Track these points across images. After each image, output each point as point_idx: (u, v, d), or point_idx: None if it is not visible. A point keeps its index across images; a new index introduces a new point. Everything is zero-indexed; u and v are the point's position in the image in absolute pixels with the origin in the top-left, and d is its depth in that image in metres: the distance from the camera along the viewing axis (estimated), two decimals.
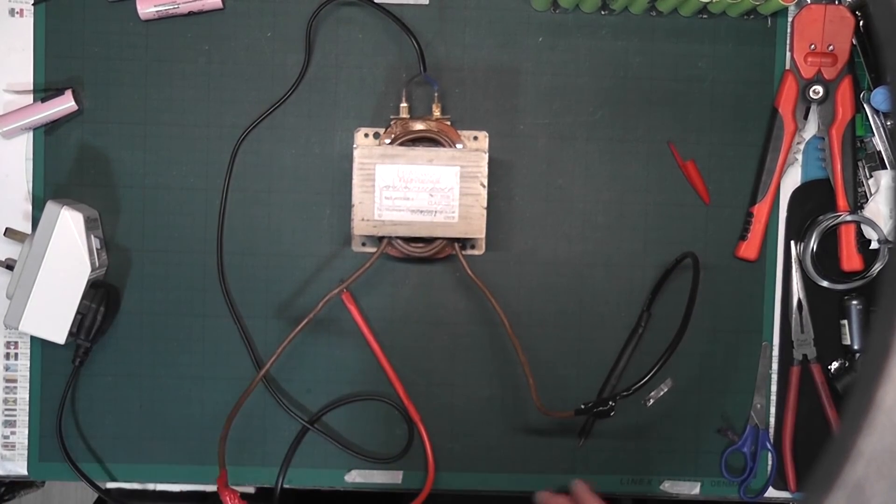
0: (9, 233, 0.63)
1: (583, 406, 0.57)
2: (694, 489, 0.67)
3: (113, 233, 0.65)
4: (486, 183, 0.59)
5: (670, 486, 0.67)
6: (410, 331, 0.66)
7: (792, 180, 0.66)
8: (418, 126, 0.62)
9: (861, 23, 0.64)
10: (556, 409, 0.65)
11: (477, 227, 0.59)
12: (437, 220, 0.59)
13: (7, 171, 0.64)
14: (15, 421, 0.65)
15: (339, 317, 0.65)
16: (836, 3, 0.64)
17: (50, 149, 0.64)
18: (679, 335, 0.56)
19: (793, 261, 0.66)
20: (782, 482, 0.67)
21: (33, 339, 0.64)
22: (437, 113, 0.62)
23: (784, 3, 0.61)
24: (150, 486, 0.67)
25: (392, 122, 0.63)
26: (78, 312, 0.61)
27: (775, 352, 0.67)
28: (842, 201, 0.65)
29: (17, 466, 0.65)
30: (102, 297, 0.62)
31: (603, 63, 0.65)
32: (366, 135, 0.64)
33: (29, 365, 0.65)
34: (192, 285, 0.65)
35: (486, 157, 0.59)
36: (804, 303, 0.66)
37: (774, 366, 0.67)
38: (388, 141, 0.62)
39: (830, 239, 0.65)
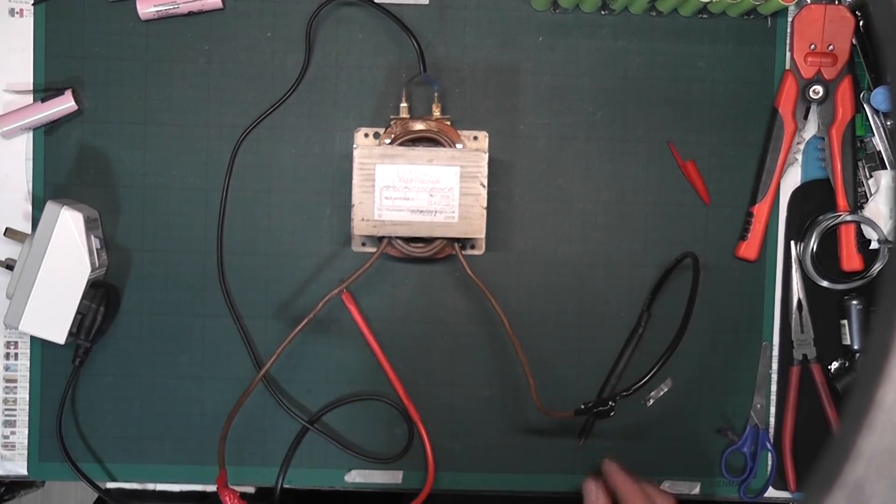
0: (9, 233, 0.63)
1: (583, 406, 0.57)
2: (694, 489, 0.67)
3: (113, 233, 0.65)
4: (486, 183, 0.59)
5: (670, 486, 0.67)
6: (410, 331, 0.66)
7: (792, 180, 0.66)
8: (418, 126, 0.62)
9: (861, 23, 0.64)
10: (556, 409, 0.65)
11: (477, 227, 0.59)
12: (437, 220, 0.59)
13: (7, 171, 0.64)
14: (15, 421, 0.65)
15: (339, 317, 0.65)
16: (836, 3, 0.64)
17: (50, 149, 0.64)
18: (679, 335, 0.56)
19: (793, 261, 0.66)
20: (782, 482, 0.67)
21: (33, 339, 0.64)
22: (437, 113, 0.62)
23: (784, 3, 0.61)
24: (150, 486, 0.67)
25: (392, 122, 0.63)
26: (78, 312, 0.61)
27: (775, 352, 0.67)
28: (842, 201, 0.65)
29: (17, 466, 0.65)
30: (102, 297, 0.62)
31: (603, 63, 0.65)
32: (366, 135, 0.64)
33: (29, 365, 0.65)
34: (192, 285, 0.65)
35: (486, 157, 0.59)
36: (804, 303, 0.66)
37: (774, 366, 0.67)
38: (388, 141, 0.62)
39: (830, 239, 0.65)
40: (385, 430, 0.66)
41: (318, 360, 0.65)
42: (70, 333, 0.61)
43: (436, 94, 0.63)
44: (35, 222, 0.64)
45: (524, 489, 0.67)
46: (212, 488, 0.68)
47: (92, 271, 0.61)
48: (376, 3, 0.63)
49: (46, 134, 0.64)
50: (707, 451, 0.67)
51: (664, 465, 0.67)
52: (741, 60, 0.66)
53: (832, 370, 0.67)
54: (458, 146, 0.62)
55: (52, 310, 0.60)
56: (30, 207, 0.64)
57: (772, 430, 0.67)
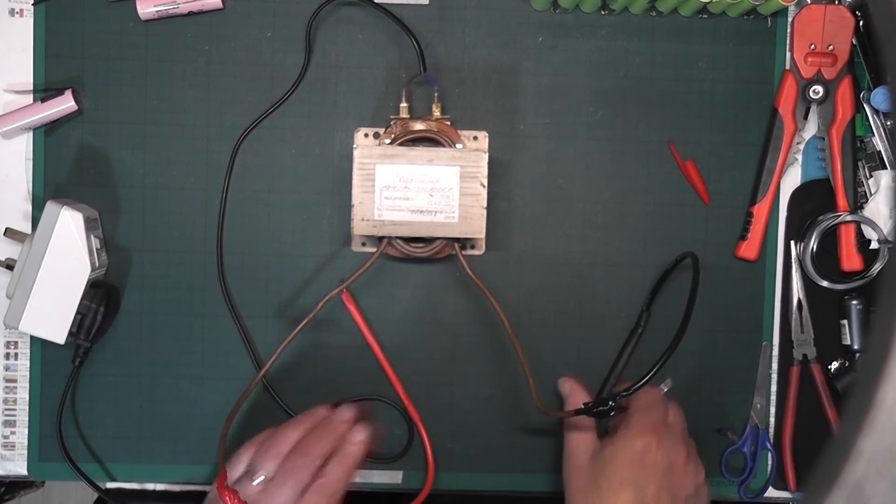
0: (9, 233, 0.63)
1: (583, 406, 0.57)
2: None
3: (113, 233, 0.65)
4: (486, 183, 0.59)
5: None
6: (410, 331, 0.66)
7: (792, 180, 0.66)
8: (418, 126, 0.62)
9: (861, 23, 0.64)
10: (556, 409, 0.65)
11: (477, 227, 0.59)
12: (437, 220, 0.59)
13: (7, 171, 0.64)
14: (15, 421, 0.65)
15: (339, 317, 0.65)
16: (836, 3, 0.64)
17: (50, 149, 0.64)
18: (679, 335, 0.56)
19: (793, 261, 0.66)
20: (782, 482, 0.67)
21: (33, 339, 0.64)
22: (437, 113, 0.62)
23: (784, 3, 0.61)
24: (150, 486, 0.67)
25: (392, 122, 0.63)
26: (78, 312, 0.61)
27: (775, 352, 0.67)
28: (842, 201, 0.65)
29: (17, 466, 0.65)
30: (102, 297, 0.62)
31: (603, 63, 0.65)
32: (366, 135, 0.64)
33: (29, 365, 0.65)
34: (192, 285, 0.65)
35: (486, 157, 0.59)
36: (804, 303, 0.66)
37: (774, 366, 0.67)
38: (388, 141, 0.62)
39: (830, 239, 0.65)
40: (385, 430, 0.66)
41: (318, 360, 0.65)
42: (70, 333, 0.61)
43: (436, 94, 0.63)
44: (35, 222, 0.64)
45: (524, 489, 0.67)
46: (211, 488, 0.68)
47: (92, 271, 0.61)
48: (376, 3, 0.63)
49: (46, 134, 0.64)
50: (707, 451, 0.67)
51: None
52: (741, 60, 0.66)
53: (832, 370, 0.67)
54: (458, 146, 0.62)
55: (52, 310, 0.60)
56: (30, 207, 0.64)
57: (772, 430, 0.67)
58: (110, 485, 0.66)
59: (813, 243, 0.65)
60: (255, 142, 0.65)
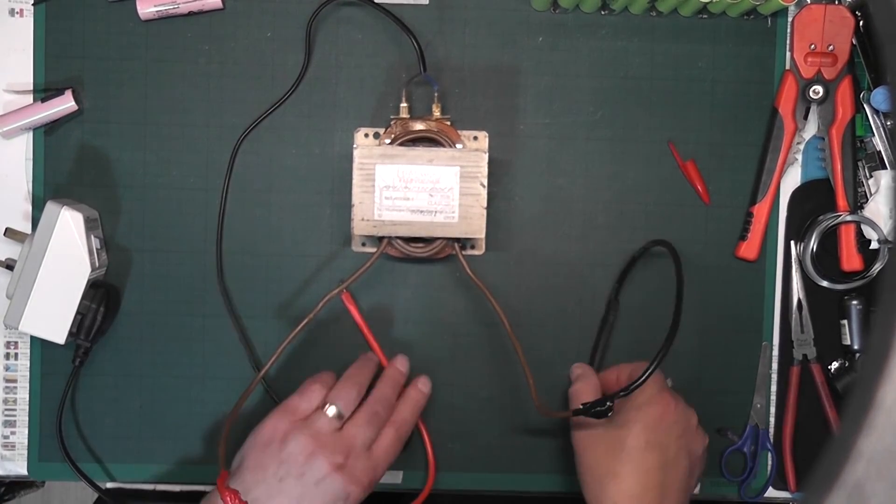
0: (9, 233, 0.63)
1: (581, 406, 0.57)
2: (694, 489, 0.67)
3: (113, 233, 0.65)
4: (486, 183, 0.59)
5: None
6: (410, 331, 0.66)
7: (792, 180, 0.66)
8: (418, 126, 0.62)
9: (861, 23, 0.64)
10: (556, 409, 0.65)
11: (477, 227, 0.59)
12: (437, 220, 0.59)
13: (7, 171, 0.64)
14: (15, 421, 0.65)
15: (339, 317, 0.65)
16: (836, 3, 0.64)
17: (50, 149, 0.64)
18: (672, 332, 0.56)
19: (793, 261, 0.66)
20: (782, 482, 0.67)
21: (33, 339, 0.64)
22: (437, 113, 0.62)
23: (784, 3, 0.61)
24: (150, 486, 0.67)
25: (392, 122, 0.63)
26: (78, 312, 0.61)
27: (775, 352, 0.67)
28: (842, 201, 0.65)
29: (17, 466, 0.65)
30: (102, 297, 0.62)
31: (603, 63, 0.65)
32: (366, 135, 0.64)
33: (29, 365, 0.65)
34: (192, 285, 0.65)
35: (486, 157, 0.59)
36: (804, 303, 0.66)
37: (774, 366, 0.67)
38: (388, 141, 0.62)
39: (830, 239, 0.65)
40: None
41: (319, 360, 0.65)
42: (70, 333, 0.61)
43: (436, 94, 0.63)
44: (35, 222, 0.64)
45: (524, 489, 0.67)
46: (212, 489, 0.68)
47: (92, 271, 0.61)
48: (376, 4, 0.63)
49: (46, 134, 0.64)
50: (707, 450, 0.67)
51: None
52: (741, 60, 0.66)
53: (832, 370, 0.67)
54: (458, 146, 0.62)
55: (52, 310, 0.60)
56: (30, 207, 0.64)
57: (772, 430, 0.67)
58: (110, 485, 0.66)
59: (813, 243, 0.65)
60: (256, 142, 0.65)
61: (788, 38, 0.65)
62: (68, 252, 0.60)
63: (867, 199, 0.65)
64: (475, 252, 0.65)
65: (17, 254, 0.62)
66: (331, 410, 0.57)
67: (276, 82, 0.65)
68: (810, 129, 0.66)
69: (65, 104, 0.63)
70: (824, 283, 0.66)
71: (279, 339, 0.63)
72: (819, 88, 0.64)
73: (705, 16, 0.65)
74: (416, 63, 0.63)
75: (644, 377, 0.55)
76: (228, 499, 0.53)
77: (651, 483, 0.55)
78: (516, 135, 0.65)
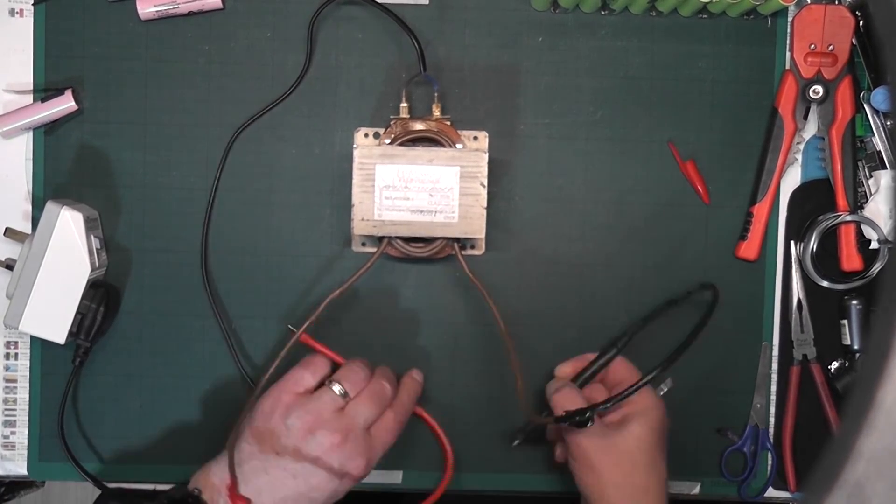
0: (9, 233, 0.63)
1: (563, 413, 0.56)
2: (694, 489, 0.67)
3: (113, 233, 0.65)
4: (486, 183, 0.59)
5: (670, 486, 0.67)
6: (410, 331, 0.66)
7: (792, 180, 0.66)
8: (418, 126, 0.62)
9: (861, 23, 0.64)
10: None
11: (477, 227, 0.59)
12: (437, 220, 0.59)
13: (7, 171, 0.64)
14: (15, 421, 0.65)
15: (339, 317, 0.65)
16: (836, 3, 0.64)
17: (50, 149, 0.64)
18: (672, 358, 0.56)
19: (793, 261, 0.66)
20: (782, 482, 0.67)
21: (33, 339, 0.64)
22: (437, 113, 0.62)
23: (784, 3, 0.61)
24: (150, 486, 0.67)
25: (392, 122, 0.63)
26: (78, 312, 0.61)
27: (775, 352, 0.67)
28: (842, 201, 0.65)
29: (17, 466, 0.65)
30: (102, 297, 0.62)
31: (603, 63, 0.65)
32: (366, 135, 0.64)
33: (29, 365, 0.65)
34: (192, 285, 0.65)
35: (486, 157, 0.59)
36: (804, 303, 0.66)
37: (774, 366, 0.67)
38: (388, 141, 0.62)
39: (830, 239, 0.65)
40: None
41: None
42: (70, 333, 0.61)
43: (436, 94, 0.63)
44: (35, 222, 0.64)
45: (524, 489, 0.67)
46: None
47: (92, 271, 0.61)
48: (376, 3, 0.63)
49: (46, 134, 0.64)
50: (707, 451, 0.67)
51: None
52: (741, 60, 0.66)
53: (832, 370, 0.67)
54: (458, 146, 0.62)
55: (52, 310, 0.60)
56: (30, 207, 0.64)
57: (772, 430, 0.67)
58: (110, 484, 0.66)
59: (813, 243, 0.65)
60: (255, 141, 0.65)
61: (788, 38, 0.65)
62: (68, 252, 0.60)
63: (867, 199, 0.65)
64: (475, 252, 0.65)
65: (17, 254, 0.62)
66: (336, 387, 0.57)
67: (276, 82, 0.65)
68: (810, 129, 0.66)
69: (65, 104, 0.63)
70: (824, 283, 0.66)
71: (279, 339, 0.63)
72: (819, 88, 0.64)
73: (705, 16, 0.65)
74: (416, 63, 0.63)
75: (631, 390, 0.55)
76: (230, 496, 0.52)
77: (665, 485, 0.58)
78: (516, 135, 0.65)
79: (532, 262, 0.66)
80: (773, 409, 0.67)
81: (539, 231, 0.66)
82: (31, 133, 0.64)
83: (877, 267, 0.65)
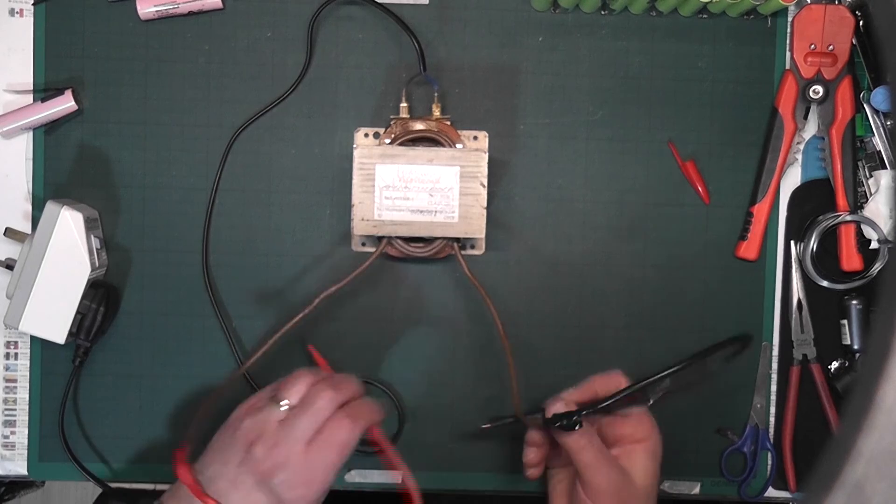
0: (9, 233, 0.63)
1: (553, 415, 0.56)
2: (694, 489, 0.67)
3: (113, 233, 0.65)
4: (486, 183, 0.59)
5: (670, 487, 0.67)
6: (410, 331, 0.66)
7: (792, 180, 0.66)
8: (418, 126, 0.62)
9: (861, 23, 0.64)
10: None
11: (477, 227, 0.59)
12: (437, 219, 0.59)
13: (7, 171, 0.64)
14: (15, 421, 0.65)
15: (339, 316, 0.65)
16: (836, 3, 0.64)
17: (50, 149, 0.64)
18: (666, 374, 0.55)
19: (793, 261, 0.66)
20: (782, 482, 0.67)
21: (33, 339, 0.64)
22: (437, 113, 0.62)
23: (784, 3, 0.61)
24: (150, 486, 0.67)
25: (392, 122, 0.63)
26: (78, 312, 0.61)
27: (775, 352, 0.67)
28: (842, 201, 0.65)
29: (17, 466, 0.65)
30: (102, 297, 0.62)
31: (603, 63, 0.65)
32: (366, 135, 0.64)
33: (29, 365, 0.65)
34: (192, 285, 0.65)
35: (486, 157, 0.59)
36: (804, 303, 0.66)
37: (774, 366, 0.67)
38: (388, 141, 0.62)
39: (830, 239, 0.65)
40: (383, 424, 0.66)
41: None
42: (70, 333, 0.61)
43: (436, 94, 0.63)
44: (35, 222, 0.64)
45: (525, 489, 0.66)
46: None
47: (92, 271, 0.61)
48: (376, 3, 0.63)
49: (46, 134, 0.64)
50: (707, 451, 0.67)
51: (664, 465, 0.66)
52: (741, 60, 0.66)
53: (832, 370, 0.67)
54: (458, 146, 0.62)
55: (52, 310, 0.60)
56: (30, 207, 0.64)
57: (772, 430, 0.67)
58: (110, 484, 0.66)
59: (813, 243, 0.65)
60: (255, 141, 0.65)
61: (788, 38, 0.65)
62: (68, 252, 0.60)
63: (867, 199, 0.65)
64: (475, 252, 0.65)
65: (17, 254, 0.62)
66: (284, 403, 0.54)
67: (276, 82, 0.65)
68: (810, 129, 0.66)
69: (65, 104, 0.63)
70: (824, 283, 0.66)
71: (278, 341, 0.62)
72: (819, 88, 0.64)
73: (705, 16, 0.65)
74: (416, 63, 0.63)
75: (621, 395, 0.54)
76: (182, 476, 0.52)
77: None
78: (516, 135, 0.65)
79: (532, 262, 0.66)
80: (773, 409, 0.67)
81: (539, 231, 0.66)
82: (31, 133, 0.64)
83: (877, 267, 0.65)
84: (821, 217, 0.65)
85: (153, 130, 0.65)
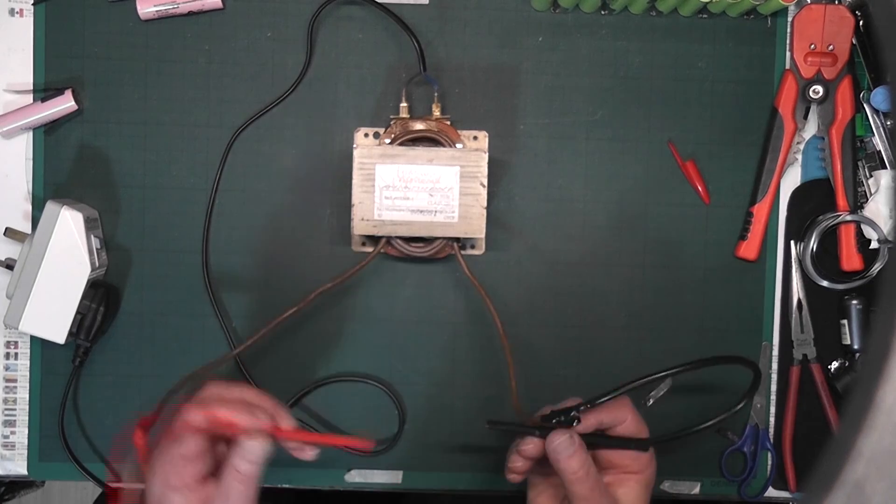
0: (9, 233, 0.63)
1: (549, 412, 0.56)
2: (694, 489, 0.67)
3: (113, 233, 0.65)
4: (486, 183, 0.59)
5: (670, 486, 0.67)
6: (410, 331, 0.66)
7: (792, 180, 0.66)
8: (418, 126, 0.62)
9: (861, 23, 0.64)
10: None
11: (477, 227, 0.59)
12: (437, 219, 0.59)
13: (7, 171, 0.64)
14: (15, 421, 0.65)
15: (339, 316, 0.65)
16: (836, 3, 0.64)
17: (50, 149, 0.64)
18: (659, 377, 0.55)
19: (793, 261, 0.66)
20: (782, 482, 0.67)
21: (33, 339, 0.64)
22: (437, 113, 0.62)
23: (784, 3, 0.61)
24: None
25: (392, 122, 0.63)
26: (78, 312, 0.61)
27: (775, 352, 0.67)
28: (842, 201, 0.65)
29: (17, 466, 0.65)
30: (102, 297, 0.62)
31: (603, 63, 0.65)
32: (366, 135, 0.64)
33: (29, 365, 0.65)
34: (192, 285, 0.65)
35: (486, 157, 0.59)
36: (804, 303, 0.66)
37: (774, 366, 0.67)
38: (388, 141, 0.62)
39: (830, 239, 0.65)
40: (383, 424, 0.66)
41: (315, 361, 0.65)
42: (70, 333, 0.61)
43: (436, 94, 0.63)
44: (35, 222, 0.64)
45: (524, 489, 0.66)
46: None
47: (92, 271, 0.61)
48: (376, 3, 0.63)
49: (46, 134, 0.64)
50: (707, 451, 0.67)
51: (664, 465, 0.66)
52: (741, 60, 0.66)
53: (832, 370, 0.67)
54: (458, 146, 0.62)
55: (52, 310, 0.60)
56: (30, 207, 0.64)
57: (772, 430, 0.67)
58: (110, 485, 0.66)
59: (813, 243, 0.65)
60: (255, 141, 0.65)
61: (788, 37, 0.65)
62: (68, 252, 0.60)
63: (867, 199, 0.65)
64: (475, 252, 0.65)
65: (17, 254, 0.62)
66: None
67: (276, 82, 0.65)
68: (810, 128, 0.66)
69: (65, 104, 0.63)
70: (824, 283, 0.66)
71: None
72: (819, 88, 0.64)
73: (705, 16, 0.65)
74: (416, 63, 0.63)
75: (613, 394, 0.54)
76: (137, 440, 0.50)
77: None
78: (516, 135, 0.65)
79: (532, 262, 0.66)
80: (773, 409, 0.67)
81: (539, 231, 0.66)
82: (31, 133, 0.64)
83: (877, 267, 0.65)
84: (821, 217, 0.65)
85: (153, 130, 0.65)
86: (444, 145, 0.62)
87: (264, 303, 0.65)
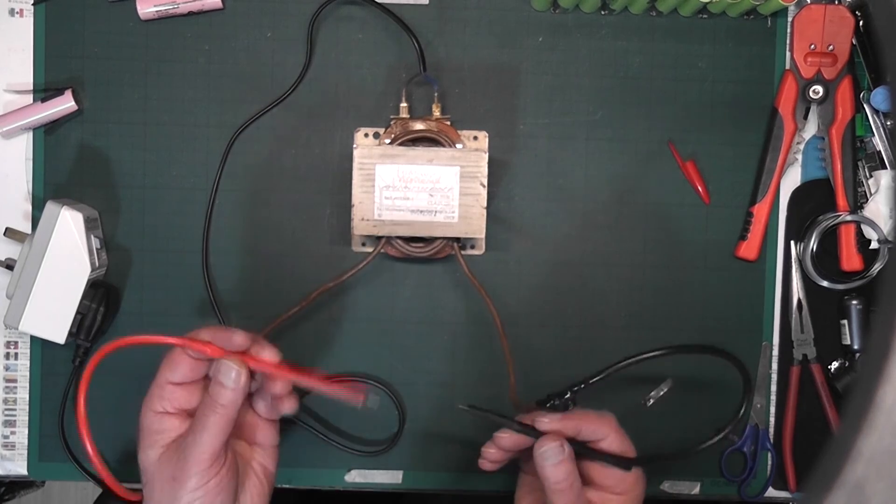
0: (9, 233, 0.63)
1: (546, 396, 0.57)
2: (694, 489, 0.67)
3: (113, 233, 0.65)
4: (486, 183, 0.59)
5: (670, 487, 0.67)
6: (410, 331, 0.66)
7: (792, 180, 0.66)
8: (418, 126, 0.62)
9: (861, 23, 0.64)
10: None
11: (477, 227, 0.59)
12: (437, 219, 0.59)
13: (7, 171, 0.64)
14: (15, 421, 0.65)
15: (339, 316, 0.65)
16: (836, 3, 0.64)
17: (50, 149, 0.64)
18: (645, 358, 0.56)
19: (793, 261, 0.66)
20: (782, 482, 0.67)
21: (33, 339, 0.64)
22: (437, 113, 0.62)
23: (784, 3, 0.61)
24: None
25: (392, 122, 0.63)
26: (78, 312, 0.61)
27: (775, 352, 0.67)
28: (842, 201, 0.65)
29: (17, 466, 0.65)
30: (102, 297, 0.62)
31: (603, 63, 0.65)
32: (366, 135, 0.64)
33: (29, 365, 0.65)
34: (192, 285, 0.65)
35: (486, 157, 0.59)
36: (804, 303, 0.66)
37: (774, 366, 0.67)
38: (388, 141, 0.62)
39: (830, 239, 0.65)
40: (383, 424, 0.66)
41: (315, 360, 0.65)
42: (70, 333, 0.61)
43: (436, 94, 0.63)
44: (35, 222, 0.64)
45: None
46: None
47: (92, 271, 0.61)
48: (376, 3, 0.63)
49: (46, 134, 0.64)
50: (707, 451, 0.67)
51: (664, 465, 0.67)
52: (741, 60, 0.66)
53: (832, 370, 0.67)
54: (458, 146, 0.62)
55: (52, 310, 0.60)
56: (30, 207, 0.64)
57: (772, 430, 0.67)
58: None
59: (813, 243, 0.65)
60: (256, 141, 0.65)
61: (788, 38, 0.65)
62: (68, 252, 0.60)
63: (867, 199, 0.65)
64: (475, 252, 0.65)
65: (17, 254, 0.62)
66: None
67: (276, 82, 0.65)
68: (810, 129, 0.66)
69: (65, 104, 0.63)
70: (824, 283, 0.66)
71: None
72: (819, 88, 0.64)
73: (705, 16, 0.65)
74: (416, 63, 0.63)
75: (603, 375, 0.55)
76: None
77: None
78: (516, 135, 0.65)
79: (532, 262, 0.66)
80: (773, 409, 0.67)
81: (539, 231, 0.66)
82: (31, 133, 0.64)
83: (877, 267, 0.65)
84: (821, 217, 0.65)
85: (153, 130, 0.65)
86: (444, 145, 0.62)
87: (264, 303, 0.65)
